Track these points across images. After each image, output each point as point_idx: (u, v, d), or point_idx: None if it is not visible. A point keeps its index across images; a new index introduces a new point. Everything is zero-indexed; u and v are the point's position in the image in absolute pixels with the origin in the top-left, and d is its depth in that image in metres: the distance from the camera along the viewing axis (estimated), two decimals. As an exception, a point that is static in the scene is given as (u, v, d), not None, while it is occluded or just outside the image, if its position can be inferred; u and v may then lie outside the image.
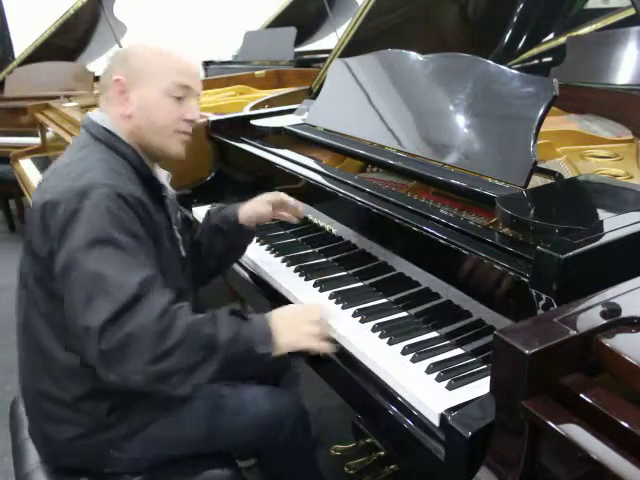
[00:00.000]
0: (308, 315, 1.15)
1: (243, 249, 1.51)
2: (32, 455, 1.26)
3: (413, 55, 1.53)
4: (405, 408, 1.00)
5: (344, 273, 1.43)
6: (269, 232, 1.70)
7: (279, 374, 1.55)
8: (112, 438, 1.15)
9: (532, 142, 1.17)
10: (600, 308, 0.75)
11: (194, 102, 1.21)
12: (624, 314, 0.74)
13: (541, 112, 1.18)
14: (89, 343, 0.98)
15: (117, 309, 0.97)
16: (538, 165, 1.17)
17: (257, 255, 1.57)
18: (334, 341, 1.16)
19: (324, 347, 1.12)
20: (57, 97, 3.06)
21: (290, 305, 1.23)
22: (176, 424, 1.19)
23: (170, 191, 1.28)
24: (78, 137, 1.21)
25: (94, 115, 1.20)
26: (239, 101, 2.70)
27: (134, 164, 1.16)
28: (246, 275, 1.58)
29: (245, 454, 1.25)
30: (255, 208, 1.43)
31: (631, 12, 1.94)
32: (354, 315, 1.23)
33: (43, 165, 2.75)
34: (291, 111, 2.04)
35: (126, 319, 0.97)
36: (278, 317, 1.13)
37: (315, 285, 1.37)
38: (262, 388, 1.33)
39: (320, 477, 1.40)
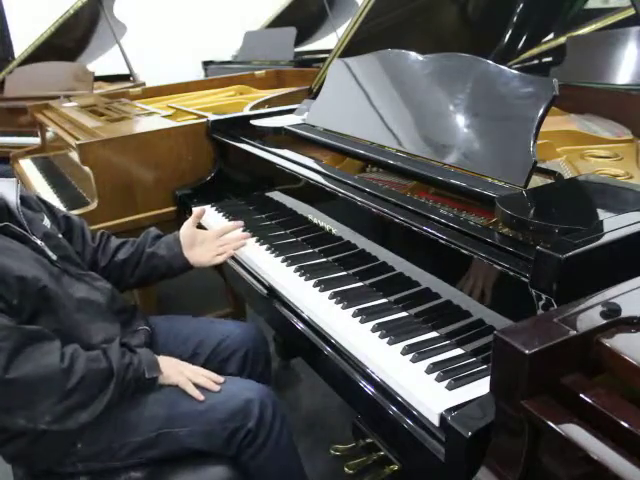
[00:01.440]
0: (193, 372, 1.27)
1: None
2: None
3: (413, 55, 1.53)
4: (405, 408, 1.00)
5: (344, 273, 1.43)
6: (269, 232, 1.70)
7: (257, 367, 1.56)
8: (73, 432, 1.15)
9: (532, 142, 1.17)
10: (600, 308, 0.75)
11: None
12: (624, 314, 0.74)
13: (541, 112, 1.17)
14: None
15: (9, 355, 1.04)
16: (538, 165, 1.17)
17: (257, 255, 1.57)
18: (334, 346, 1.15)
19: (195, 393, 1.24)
20: (57, 97, 3.05)
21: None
22: (136, 407, 1.21)
23: (11, 202, 1.23)
24: None
25: None
26: (239, 101, 2.70)
27: None
28: (246, 275, 1.58)
29: (217, 449, 1.24)
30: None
31: (631, 12, 1.94)
32: (354, 315, 1.23)
33: (43, 165, 2.74)
34: (291, 111, 2.05)
35: (21, 362, 1.05)
36: (166, 358, 1.28)
37: (315, 285, 1.37)
38: (228, 377, 1.32)
39: (302, 475, 1.39)
